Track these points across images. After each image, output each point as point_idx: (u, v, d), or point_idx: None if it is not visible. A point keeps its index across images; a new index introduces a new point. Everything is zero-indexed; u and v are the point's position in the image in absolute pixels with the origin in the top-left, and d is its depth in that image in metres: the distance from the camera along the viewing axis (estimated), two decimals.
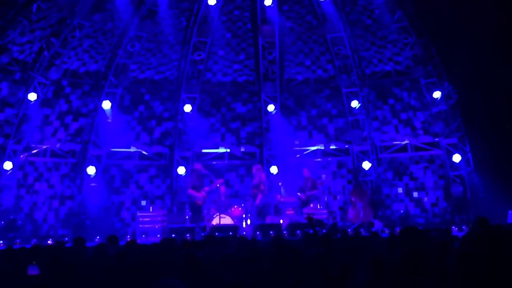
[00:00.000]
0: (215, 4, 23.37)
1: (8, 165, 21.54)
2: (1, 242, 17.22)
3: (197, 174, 21.63)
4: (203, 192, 21.21)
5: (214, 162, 25.27)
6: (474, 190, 22.61)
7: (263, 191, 21.79)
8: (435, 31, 22.20)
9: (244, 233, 19.95)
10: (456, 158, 22.88)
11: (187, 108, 24.28)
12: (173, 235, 18.70)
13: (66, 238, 20.79)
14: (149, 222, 21.26)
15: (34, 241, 19.19)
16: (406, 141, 24.31)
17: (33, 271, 7.66)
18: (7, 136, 21.72)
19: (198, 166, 22.05)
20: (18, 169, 22.41)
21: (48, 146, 23.18)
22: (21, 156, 22.33)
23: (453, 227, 20.01)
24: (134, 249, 10.17)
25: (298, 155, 25.18)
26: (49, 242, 18.73)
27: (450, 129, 23.06)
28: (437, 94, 22.91)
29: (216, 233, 18.07)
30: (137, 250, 10.23)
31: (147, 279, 6.80)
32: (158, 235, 20.31)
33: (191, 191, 21.33)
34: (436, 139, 23.77)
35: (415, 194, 24.06)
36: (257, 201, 21.69)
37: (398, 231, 9.45)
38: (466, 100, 22.19)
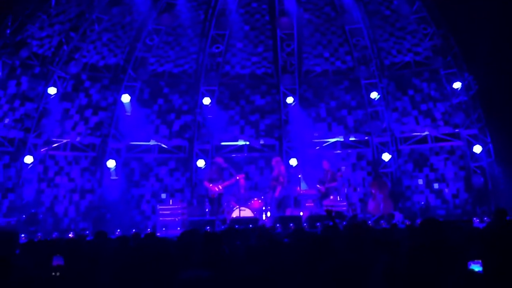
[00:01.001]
0: None
1: (29, 159, 21.70)
2: (23, 235, 17.31)
3: (216, 168, 21.64)
4: (219, 186, 21.20)
5: (233, 155, 25.27)
6: (495, 181, 22.47)
7: (283, 183, 21.76)
8: (454, 21, 22.01)
9: (264, 225, 19.95)
10: (477, 149, 22.73)
11: (206, 101, 24.28)
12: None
13: (87, 232, 20.91)
14: (169, 215, 21.34)
15: (55, 234, 19.29)
16: (426, 132, 24.17)
17: (58, 261, 7.68)
18: (28, 130, 21.87)
19: (219, 159, 22.03)
20: (39, 163, 22.57)
21: (68, 140, 23.31)
22: (42, 150, 22.46)
23: (475, 218, 19.86)
24: (153, 242, 10.17)
25: (317, 147, 25.12)
26: (70, 235, 18.81)
27: (470, 120, 22.88)
28: (457, 85, 22.75)
29: (236, 226, 18.08)
30: (156, 243, 10.23)
31: (169, 271, 6.80)
32: (178, 228, 20.37)
33: (206, 184, 21.37)
34: (457, 130, 23.61)
35: (436, 186, 23.94)
36: (277, 193, 21.68)
37: (419, 222, 9.38)
38: (486, 90, 22.00)
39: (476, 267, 6.14)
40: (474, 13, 19.93)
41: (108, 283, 6.85)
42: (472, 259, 6.37)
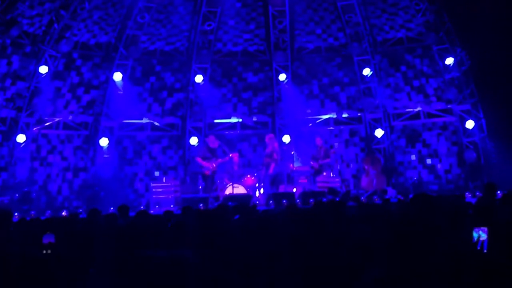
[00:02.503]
0: None
1: (21, 138, 21.66)
2: (16, 214, 17.30)
3: (208, 146, 21.61)
4: (213, 163, 21.20)
5: (226, 132, 25.27)
6: (488, 156, 22.55)
7: (276, 160, 21.78)
8: None
9: (257, 202, 20.01)
10: (470, 124, 22.76)
11: (199, 78, 24.24)
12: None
13: (80, 210, 20.95)
14: (162, 193, 21.34)
15: (48, 212, 19.29)
16: (419, 108, 24.19)
17: (49, 239, 7.70)
18: (20, 109, 21.81)
19: (211, 138, 21.98)
20: (31, 141, 22.53)
21: (61, 118, 23.26)
22: (34, 129, 22.43)
23: (467, 193, 19.94)
24: (145, 219, 10.18)
25: (310, 124, 25.13)
26: (63, 213, 18.84)
27: (463, 96, 22.90)
28: (449, 61, 22.74)
29: (230, 203, 18.11)
30: (148, 220, 10.24)
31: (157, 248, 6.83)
32: (172, 205, 20.41)
33: (199, 160, 21.37)
34: (449, 106, 23.63)
35: (428, 161, 24.01)
36: (270, 170, 21.71)
37: (410, 198, 9.43)
38: (479, 66, 21.99)
39: (483, 235, 6.18)
40: None
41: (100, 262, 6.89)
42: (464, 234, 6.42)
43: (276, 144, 22.22)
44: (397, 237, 6.13)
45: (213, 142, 21.56)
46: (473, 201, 14.73)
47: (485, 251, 6.04)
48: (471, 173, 22.74)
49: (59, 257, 7.21)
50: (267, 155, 22.00)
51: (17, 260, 5.46)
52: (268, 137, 22.40)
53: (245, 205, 12.33)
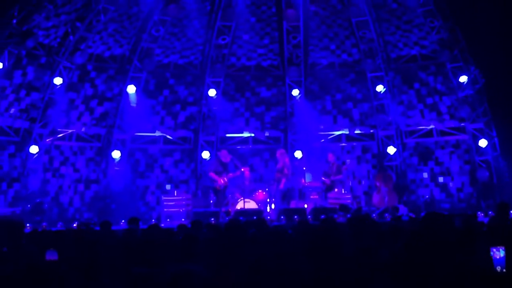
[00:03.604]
0: None
1: (34, 149, 21.78)
2: (28, 225, 17.34)
3: (221, 160, 21.59)
4: (224, 178, 21.19)
5: (239, 147, 25.27)
6: (501, 175, 22.43)
7: (287, 175, 21.74)
8: (461, 14, 21.92)
9: (269, 217, 19.96)
10: (483, 143, 22.66)
11: (212, 92, 24.28)
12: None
13: (93, 222, 20.97)
14: (173, 206, 21.32)
15: (60, 224, 19.35)
16: (431, 126, 24.12)
17: (51, 256, 7.71)
18: (33, 120, 21.93)
19: (223, 152, 21.96)
20: (44, 153, 22.62)
21: (74, 130, 23.35)
22: (47, 140, 22.51)
23: (479, 212, 19.82)
24: (156, 232, 10.18)
25: (322, 140, 25.11)
26: (74, 225, 18.88)
27: (476, 114, 22.79)
28: (463, 79, 22.67)
29: (241, 218, 18.08)
30: (160, 233, 10.25)
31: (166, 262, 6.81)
32: (183, 219, 20.38)
33: (212, 174, 21.37)
34: (462, 124, 23.55)
35: (441, 179, 23.90)
36: (281, 185, 21.67)
37: (422, 216, 9.37)
38: (493, 84, 21.92)
39: (499, 253, 6.15)
40: (482, 6, 19.88)
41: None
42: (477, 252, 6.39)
43: (287, 159, 22.19)
44: (409, 254, 6.11)
45: (225, 156, 21.55)
46: (485, 220, 14.65)
47: (504, 270, 6.01)
48: (484, 192, 22.62)
49: (69, 266, 7.21)
50: (278, 170, 21.95)
51: (31, 267, 5.47)
52: (279, 153, 22.37)
53: (261, 219, 12.31)
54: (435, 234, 6.37)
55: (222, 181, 21.10)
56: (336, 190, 22.02)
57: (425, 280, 5.63)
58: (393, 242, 7.13)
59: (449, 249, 6.24)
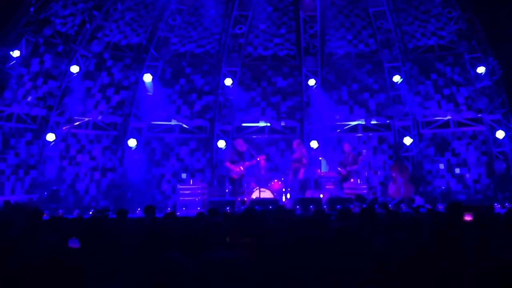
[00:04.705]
0: None
1: (51, 137, 21.89)
2: (46, 212, 17.42)
3: (237, 150, 21.61)
4: (240, 167, 21.21)
5: (254, 136, 25.26)
6: None
7: (306, 165, 21.76)
8: (479, 4, 21.78)
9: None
10: (500, 134, 22.53)
11: (228, 82, 24.30)
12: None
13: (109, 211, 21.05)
14: (189, 195, 21.42)
15: (76, 212, 19.43)
16: (448, 117, 24.00)
17: (73, 244, 7.72)
18: (50, 108, 22.02)
19: (239, 142, 21.97)
20: (61, 140, 22.72)
21: (90, 118, 23.43)
22: (64, 128, 22.60)
23: (496, 204, 19.74)
24: (173, 221, 10.21)
25: (338, 130, 25.06)
26: (90, 213, 18.96)
27: (494, 105, 22.65)
28: (481, 70, 22.52)
29: (256, 207, 18.09)
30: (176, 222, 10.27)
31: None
32: (198, 208, 20.43)
33: (228, 164, 21.38)
34: (479, 115, 23.41)
35: (457, 170, 23.81)
36: (300, 175, 21.67)
37: (445, 207, 9.33)
38: (511, 75, 21.79)
39: None
40: None
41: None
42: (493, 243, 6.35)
43: (304, 149, 22.19)
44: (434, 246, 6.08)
45: (241, 145, 21.55)
46: (502, 212, 14.57)
47: None
48: (500, 184, 22.47)
49: (87, 253, 7.24)
50: (296, 160, 21.91)
51: (50, 253, 5.47)
52: (296, 143, 22.35)
53: (280, 208, 12.30)
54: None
55: (238, 170, 21.11)
56: (352, 180, 22.03)
57: (454, 273, 5.60)
58: (416, 233, 7.09)
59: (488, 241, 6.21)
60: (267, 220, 9.76)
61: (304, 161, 21.71)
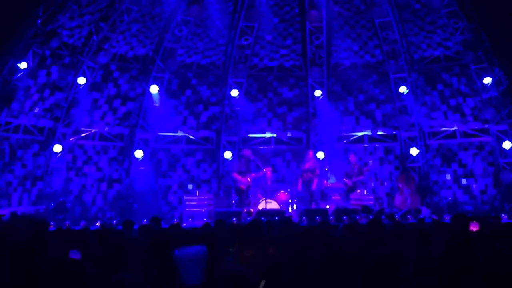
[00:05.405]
0: None
1: (58, 148, 21.95)
2: (52, 223, 17.45)
3: (245, 160, 21.63)
4: (248, 178, 21.23)
5: (261, 147, 25.26)
6: None
7: (319, 175, 21.77)
8: (486, 15, 21.76)
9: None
10: (507, 145, 22.46)
11: (234, 92, 24.34)
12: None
13: (114, 221, 21.05)
14: (195, 206, 21.45)
15: (83, 223, 19.45)
16: (455, 127, 23.97)
17: (74, 256, 7.74)
18: (57, 119, 22.09)
19: (247, 152, 21.98)
20: (68, 152, 22.78)
21: (97, 129, 23.49)
22: (71, 139, 22.66)
23: (503, 214, 19.68)
24: (177, 231, 10.23)
25: (344, 141, 25.04)
26: (97, 224, 18.98)
27: (500, 116, 22.60)
28: (487, 80, 22.48)
29: (262, 218, 18.07)
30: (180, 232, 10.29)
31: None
32: (205, 219, 20.43)
33: (236, 175, 21.39)
34: (486, 126, 23.36)
35: (464, 181, 23.74)
36: (314, 186, 21.69)
37: (450, 218, 9.32)
38: None
39: None
40: (506, 7, 19.72)
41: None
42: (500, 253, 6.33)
43: (317, 160, 22.25)
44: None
45: (250, 155, 21.64)
46: (509, 222, 14.53)
47: None
48: (507, 194, 22.40)
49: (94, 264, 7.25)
50: (309, 171, 21.84)
51: (57, 263, 5.49)
52: (311, 153, 22.36)
53: (286, 219, 12.31)
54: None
55: (246, 181, 21.12)
56: (358, 191, 22.01)
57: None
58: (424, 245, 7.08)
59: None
60: (273, 230, 9.77)
61: (318, 171, 21.72)
